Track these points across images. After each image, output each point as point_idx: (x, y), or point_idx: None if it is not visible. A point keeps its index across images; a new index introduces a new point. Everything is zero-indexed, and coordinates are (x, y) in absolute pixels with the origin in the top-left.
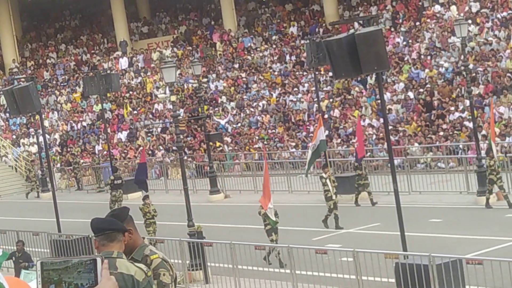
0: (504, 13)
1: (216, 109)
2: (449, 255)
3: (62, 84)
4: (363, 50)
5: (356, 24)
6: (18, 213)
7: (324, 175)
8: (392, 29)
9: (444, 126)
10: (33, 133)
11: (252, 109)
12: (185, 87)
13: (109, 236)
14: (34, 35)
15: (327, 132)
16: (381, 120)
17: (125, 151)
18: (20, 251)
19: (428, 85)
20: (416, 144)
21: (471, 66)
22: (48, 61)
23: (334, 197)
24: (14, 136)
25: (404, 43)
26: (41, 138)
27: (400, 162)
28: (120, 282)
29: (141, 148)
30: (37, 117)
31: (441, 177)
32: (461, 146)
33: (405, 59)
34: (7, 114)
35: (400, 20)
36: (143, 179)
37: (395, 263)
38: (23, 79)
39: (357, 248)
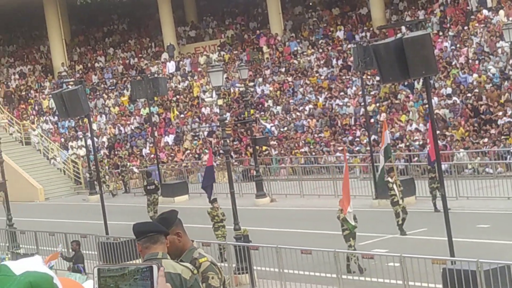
0: None
1: (262, 113)
2: (497, 261)
3: (110, 88)
4: (411, 55)
5: (403, 28)
6: (66, 215)
7: (390, 179)
8: (440, 33)
9: (492, 131)
10: (81, 136)
11: (298, 113)
12: (232, 91)
13: (151, 238)
14: (83, 39)
15: (373, 136)
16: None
17: (172, 154)
18: (75, 251)
19: (476, 90)
20: (462, 150)
21: None
22: (96, 64)
23: (401, 201)
24: (62, 139)
25: (452, 47)
26: (89, 141)
27: (448, 167)
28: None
29: (199, 150)
30: (86, 120)
31: (489, 182)
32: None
33: (453, 63)
34: (56, 117)
35: (448, 24)
36: (210, 184)
37: (443, 269)
38: (71, 83)
39: (404, 253)
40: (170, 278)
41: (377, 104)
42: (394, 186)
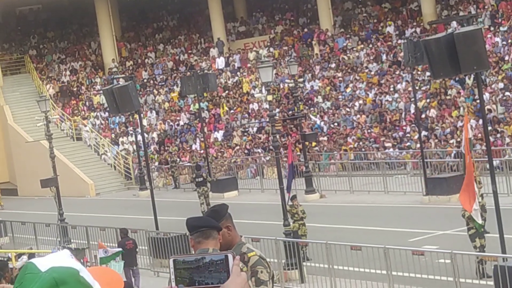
0: None
1: (312, 108)
2: None
3: (160, 84)
4: (462, 50)
5: (454, 24)
6: (116, 211)
7: None
8: (491, 29)
9: None
10: (131, 132)
11: (348, 109)
12: (281, 86)
13: (204, 233)
14: (133, 35)
15: (423, 132)
16: (480, 120)
17: (222, 150)
18: (122, 238)
19: None
20: None
21: None
22: (146, 60)
23: (480, 199)
24: (113, 135)
25: (504, 42)
26: (139, 137)
27: (499, 164)
28: None
29: (249, 146)
30: (136, 116)
31: None
32: None
33: (505, 58)
34: (107, 113)
35: (500, 20)
36: (291, 181)
37: (494, 266)
38: (122, 79)
39: (454, 249)
40: None
41: (428, 100)
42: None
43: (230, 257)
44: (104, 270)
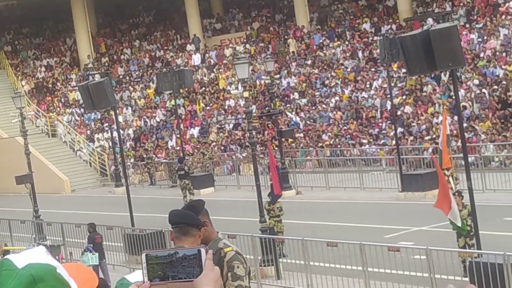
0: None
1: (288, 105)
2: None
3: (136, 80)
4: (438, 47)
5: (429, 20)
6: (92, 207)
7: (446, 172)
8: (467, 26)
9: None
10: (107, 128)
11: (324, 106)
12: (258, 83)
13: (182, 229)
14: (109, 31)
15: (399, 129)
16: (455, 117)
17: (198, 146)
18: (90, 232)
19: (503, 82)
20: (489, 142)
21: None
22: (122, 57)
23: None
24: (88, 131)
25: (479, 39)
26: (115, 133)
27: (474, 160)
28: None
29: (225, 143)
30: (112, 112)
31: None
32: None
33: (480, 55)
34: (82, 110)
35: (475, 17)
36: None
37: (469, 262)
38: (97, 75)
39: (430, 246)
40: None
41: (403, 97)
42: (450, 178)
43: (202, 251)
44: (79, 267)
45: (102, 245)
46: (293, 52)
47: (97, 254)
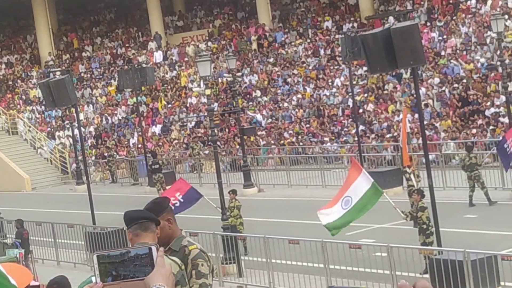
0: None
1: (250, 103)
2: (484, 251)
3: (97, 77)
4: (399, 45)
5: (391, 19)
6: (53, 205)
7: (408, 169)
8: (428, 24)
9: (480, 122)
10: (68, 126)
11: (286, 103)
12: (220, 81)
13: (142, 225)
14: (70, 28)
15: (361, 127)
16: (416, 115)
17: (160, 144)
18: (17, 228)
19: (464, 80)
20: (450, 140)
21: (507, 61)
22: (83, 54)
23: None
24: (49, 129)
25: (440, 38)
26: (76, 131)
27: (435, 158)
28: None
29: (187, 140)
30: (73, 110)
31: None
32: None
33: (441, 54)
34: (43, 107)
35: (436, 15)
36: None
37: (430, 259)
38: (58, 72)
39: (391, 243)
40: None
41: (365, 95)
42: (412, 176)
43: (154, 249)
44: (13, 265)
45: (28, 240)
46: (255, 49)
47: (23, 250)
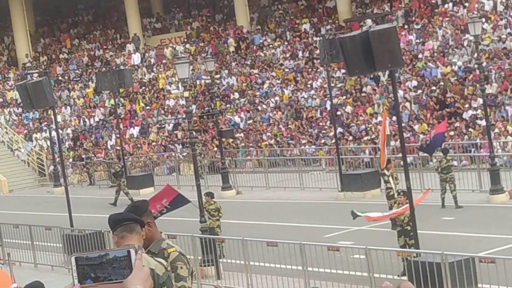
0: None
1: (229, 105)
2: (461, 253)
3: (75, 79)
4: (377, 47)
5: (368, 21)
6: (30, 208)
7: (386, 172)
8: (405, 27)
9: (457, 124)
10: (45, 128)
11: (264, 106)
12: (198, 83)
13: (127, 227)
14: (47, 30)
15: (339, 129)
16: (394, 117)
17: (138, 145)
18: None
19: (441, 83)
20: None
21: (484, 64)
22: (61, 56)
23: (396, 195)
24: (26, 131)
25: (417, 40)
26: (53, 133)
27: (412, 160)
28: None
29: (165, 142)
30: (50, 112)
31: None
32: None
33: (418, 56)
34: (20, 109)
35: (413, 18)
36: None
37: (407, 261)
38: (36, 74)
39: (369, 245)
40: None
41: (343, 97)
42: (390, 179)
43: (132, 252)
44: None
45: None
46: (233, 52)
47: None
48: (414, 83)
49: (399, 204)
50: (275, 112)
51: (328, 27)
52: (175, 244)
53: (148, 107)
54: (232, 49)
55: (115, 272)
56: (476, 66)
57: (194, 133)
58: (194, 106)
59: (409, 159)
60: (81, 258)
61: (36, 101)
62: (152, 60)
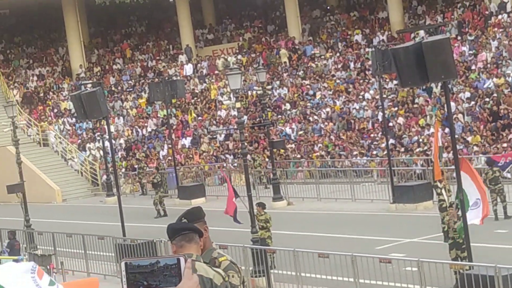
0: None
1: (280, 116)
2: None
3: (128, 90)
4: (431, 59)
5: (421, 32)
6: (83, 217)
7: (439, 184)
8: (458, 38)
9: (511, 136)
10: (98, 138)
11: (315, 117)
12: (249, 94)
13: (186, 236)
14: (101, 41)
15: (391, 140)
16: (446, 129)
17: (190, 156)
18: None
19: (495, 95)
20: (481, 154)
21: None
22: (114, 67)
23: (448, 207)
24: (80, 141)
25: (470, 52)
26: (106, 143)
27: None
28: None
29: (216, 153)
30: (104, 122)
31: (506, 187)
32: None
33: (471, 68)
34: (74, 119)
35: (466, 29)
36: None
37: (460, 274)
38: (90, 85)
39: (421, 257)
40: (202, 281)
41: (395, 108)
42: (443, 191)
43: (182, 260)
44: (78, 284)
45: (20, 251)
46: (284, 62)
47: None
48: (467, 94)
49: (444, 217)
50: (326, 123)
51: (380, 38)
52: (226, 254)
53: (200, 118)
54: (285, 59)
55: (166, 280)
56: None
57: (245, 143)
58: (245, 117)
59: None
60: (132, 266)
61: (90, 111)
62: (204, 71)
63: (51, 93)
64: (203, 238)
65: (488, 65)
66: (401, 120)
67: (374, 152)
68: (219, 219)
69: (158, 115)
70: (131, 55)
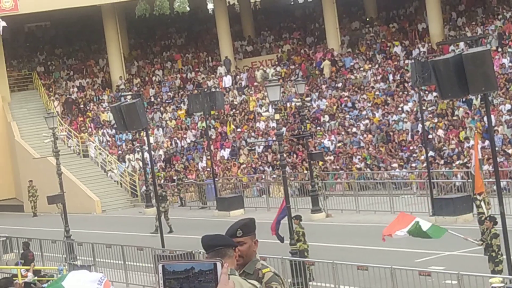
0: None
1: (319, 128)
2: None
3: (167, 101)
4: (471, 71)
5: (461, 44)
6: (122, 228)
7: (478, 196)
8: (499, 50)
9: None
10: (138, 149)
11: (354, 129)
12: (288, 105)
13: (219, 252)
14: (141, 53)
15: (430, 152)
16: (486, 142)
17: (229, 167)
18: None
19: None
20: None
21: None
22: (154, 78)
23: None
24: (119, 152)
25: (511, 64)
26: (146, 154)
27: (506, 185)
28: None
29: (255, 164)
30: (143, 133)
31: None
32: None
33: None
34: (114, 130)
35: (507, 41)
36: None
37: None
38: (129, 96)
39: (461, 271)
40: None
41: (435, 120)
42: (482, 203)
43: (218, 265)
44: None
45: (33, 261)
46: (323, 74)
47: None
48: (508, 106)
49: (485, 230)
50: (365, 135)
51: (420, 50)
52: (269, 265)
53: (238, 129)
54: (327, 70)
55: (201, 286)
56: None
57: (284, 155)
58: (284, 129)
59: (503, 183)
60: (168, 272)
61: (129, 123)
62: (243, 83)
63: (91, 104)
64: (249, 251)
65: None
66: (440, 132)
67: (413, 165)
68: (257, 230)
69: (197, 126)
70: (171, 67)
